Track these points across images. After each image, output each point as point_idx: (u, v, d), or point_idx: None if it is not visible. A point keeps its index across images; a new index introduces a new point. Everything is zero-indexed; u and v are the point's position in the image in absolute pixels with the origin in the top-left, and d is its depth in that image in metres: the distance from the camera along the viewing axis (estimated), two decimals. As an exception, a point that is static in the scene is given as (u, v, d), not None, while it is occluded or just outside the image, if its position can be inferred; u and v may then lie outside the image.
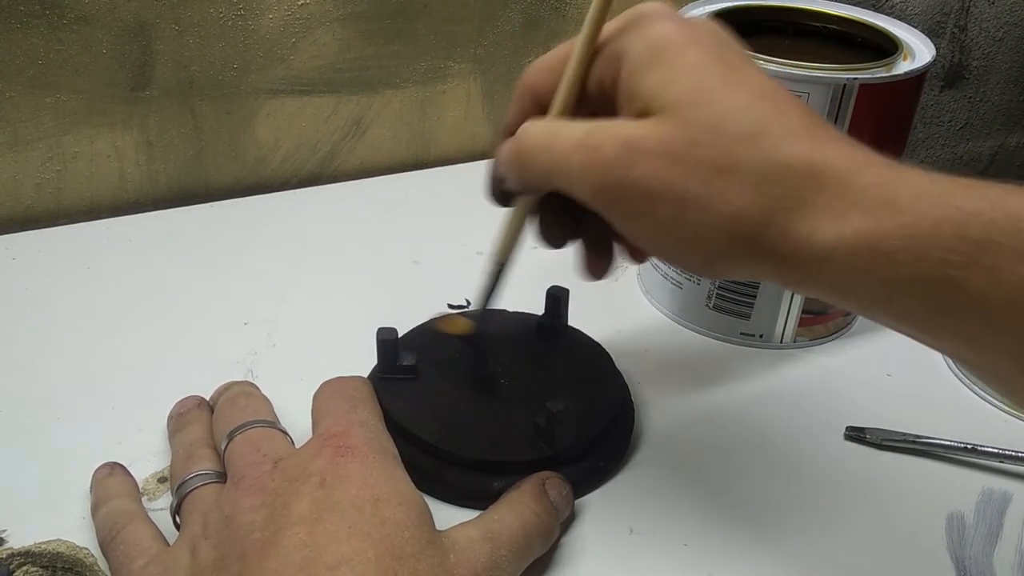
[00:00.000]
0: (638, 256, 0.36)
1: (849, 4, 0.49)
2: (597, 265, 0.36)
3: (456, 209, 0.60)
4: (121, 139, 0.56)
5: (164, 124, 0.57)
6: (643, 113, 0.29)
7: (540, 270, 0.54)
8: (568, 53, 0.32)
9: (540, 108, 0.33)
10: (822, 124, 0.28)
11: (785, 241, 0.27)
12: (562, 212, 0.35)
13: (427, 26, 0.62)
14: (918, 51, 0.45)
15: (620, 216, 0.29)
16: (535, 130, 0.32)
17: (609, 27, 0.31)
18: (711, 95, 0.28)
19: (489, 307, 0.39)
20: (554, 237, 0.36)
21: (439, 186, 0.63)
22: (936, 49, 0.45)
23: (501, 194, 0.36)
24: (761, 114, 0.27)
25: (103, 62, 0.54)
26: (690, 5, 0.49)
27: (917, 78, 0.42)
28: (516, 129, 0.33)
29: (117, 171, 0.57)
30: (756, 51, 0.42)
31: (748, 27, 0.48)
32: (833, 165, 0.27)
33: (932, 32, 0.85)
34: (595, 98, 0.32)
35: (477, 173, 0.66)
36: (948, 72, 0.89)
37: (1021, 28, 0.90)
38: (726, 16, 0.48)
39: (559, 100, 0.32)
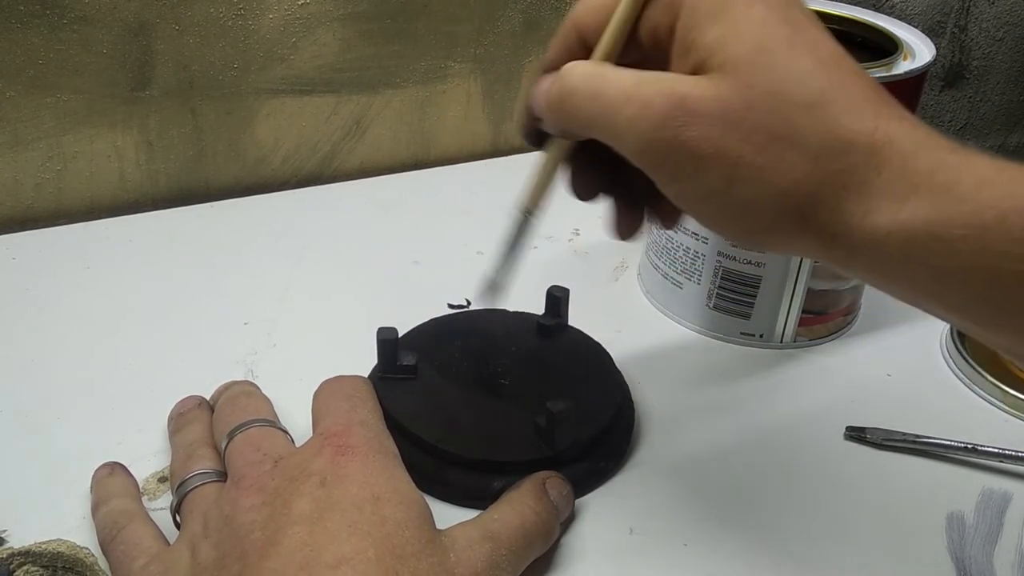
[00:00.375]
0: (669, 220, 0.34)
1: (849, 4, 0.49)
2: (627, 225, 0.35)
3: (456, 209, 0.60)
4: (121, 139, 0.56)
5: (164, 124, 0.57)
6: (699, 68, 0.27)
7: (540, 270, 0.54)
8: None
9: (585, 48, 0.31)
10: (886, 98, 0.27)
11: (837, 220, 0.26)
12: (597, 162, 0.33)
13: (427, 26, 0.62)
14: (918, 51, 0.45)
15: (665, 177, 0.28)
16: (580, 72, 0.30)
17: None
18: (774, 57, 0.26)
19: (513, 264, 0.37)
20: (585, 188, 0.34)
21: (439, 186, 0.63)
22: (936, 49, 0.45)
23: (535, 134, 0.33)
24: (825, 82, 0.26)
25: (103, 62, 0.54)
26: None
27: (917, 78, 0.42)
28: (558, 66, 0.31)
29: (117, 171, 0.57)
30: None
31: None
32: (896, 144, 0.25)
33: (932, 32, 0.85)
34: (645, 44, 0.30)
35: (477, 173, 0.67)
36: (948, 72, 0.89)
37: (1021, 28, 0.90)
38: None
39: (606, 41, 0.30)
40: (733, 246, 0.46)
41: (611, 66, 0.29)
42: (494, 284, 0.38)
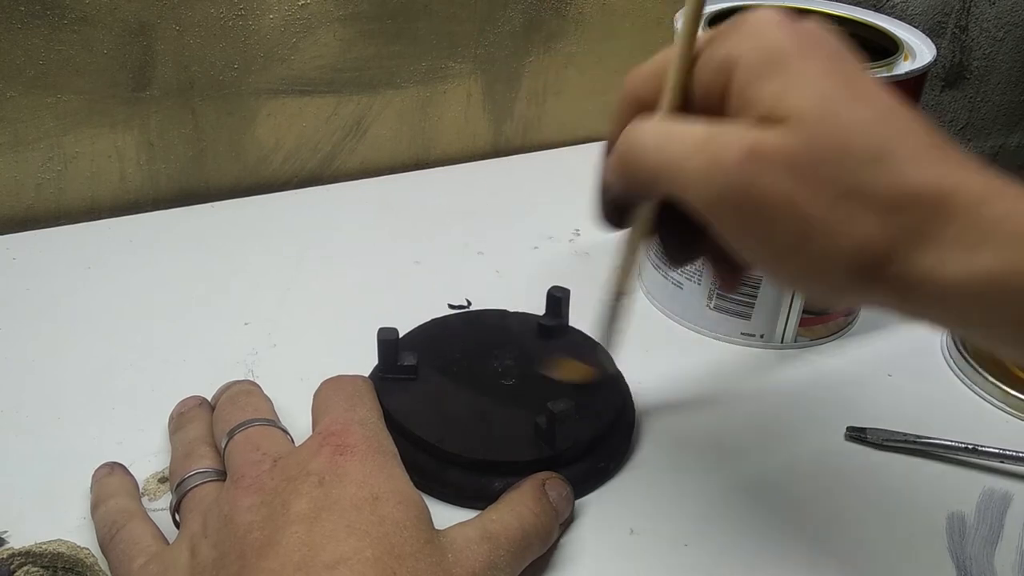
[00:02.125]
0: (732, 281, 0.34)
1: (849, 4, 0.49)
2: (729, 279, 0.34)
3: (457, 209, 0.60)
4: (122, 139, 0.57)
5: (165, 124, 0.57)
6: (765, 119, 0.26)
7: (541, 270, 0.54)
8: (667, 59, 0.30)
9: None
10: (949, 146, 0.26)
11: (910, 273, 0.25)
12: (682, 226, 0.32)
13: (428, 26, 0.62)
14: (919, 51, 0.45)
15: (737, 231, 0.27)
16: (647, 127, 0.29)
17: (715, 33, 0.29)
18: (837, 109, 0.26)
19: (614, 345, 0.37)
20: (676, 254, 0.34)
21: (440, 186, 0.63)
22: (937, 49, 0.45)
23: (612, 210, 0.33)
24: (888, 134, 0.26)
25: (104, 62, 0.54)
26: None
27: (918, 78, 0.42)
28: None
29: (118, 171, 0.58)
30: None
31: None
32: (963, 193, 0.25)
33: (933, 32, 0.85)
34: (701, 107, 0.29)
35: (478, 173, 0.67)
36: (949, 72, 0.89)
37: (1022, 28, 0.90)
38: (727, 16, 0.48)
39: (668, 98, 0.30)
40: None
41: (679, 120, 0.29)
42: (594, 371, 0.39)
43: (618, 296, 0.35)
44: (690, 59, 0.29)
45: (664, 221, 0.33)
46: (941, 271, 0.25)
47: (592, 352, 0.43)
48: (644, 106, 0.31)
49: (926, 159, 0.25)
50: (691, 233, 0.32)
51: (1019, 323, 0.24)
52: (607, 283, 0.35)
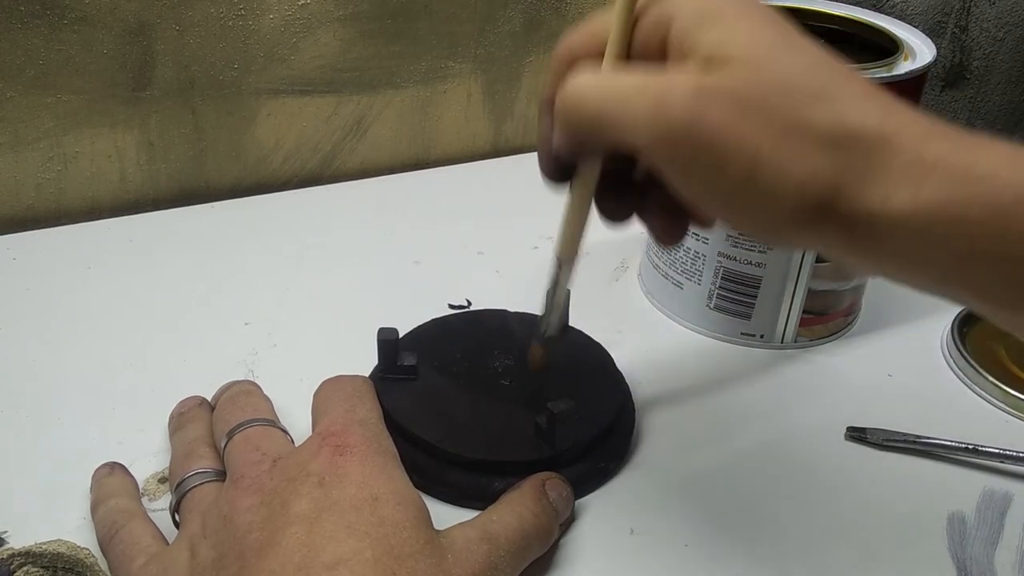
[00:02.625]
0: (674, 234, 0.34)
1: (849, 4, 0.49)
2: (671, 231, 0.34)
3: (457, 209, 0.60)
4: (122, 139, 0.57)
5: (165, 124, 0.57)
6: (707, 65, 0.27)
7: (541, 271, 0.54)
8: (603, 22, 0.30)
9: None
10: (887, 95, 0.27)
11: (857, 208, 0.25)
12: (622, 183, 0.32)
13: (428, 26, 0.62)
14: (919, 51, 0.45)
15: (684, 172, 0.27)
16: (587, 77, 0.29)
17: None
18: (777, 53, 0.26)
19: (560, 314, 0.37)
20: (617, 210, 0.34)
21: (440, 186, 0.63)
22: (937, 49, 0.45)
23: (556, 169, 0.33)
24: (828, 78, 0.26)
25: (104, 62, 0.54)
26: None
27: (918, 78, 0.42)
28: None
29: (118, 171, 0.58)
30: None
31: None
32: (906, 132, 0.25)
33: (933, 32, 0.85)
34: (638, 61, 0.30)
35: (478, 173, 0.67)
36: (949, 72, 0.89)
37: (1022, 28, 0.89)
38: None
39: (609, 50, 0.30)
40: (735, 246, 0.46)
41: (618, 68, 0.29)
42: (548, 339, 0.38)
43: (564, 260, 0.35)
44: (631, 12, 0.30)
45: (604, 180, 0.33)
46: (887, 206, 0.25)
47: (593, 353, 0.43)
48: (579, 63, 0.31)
49: (866, 101, 0.26)
50: (628, 189, 0.32)
51: (962, 258, 0.25)
52: (554, 249, 0.35)
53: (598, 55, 0.30)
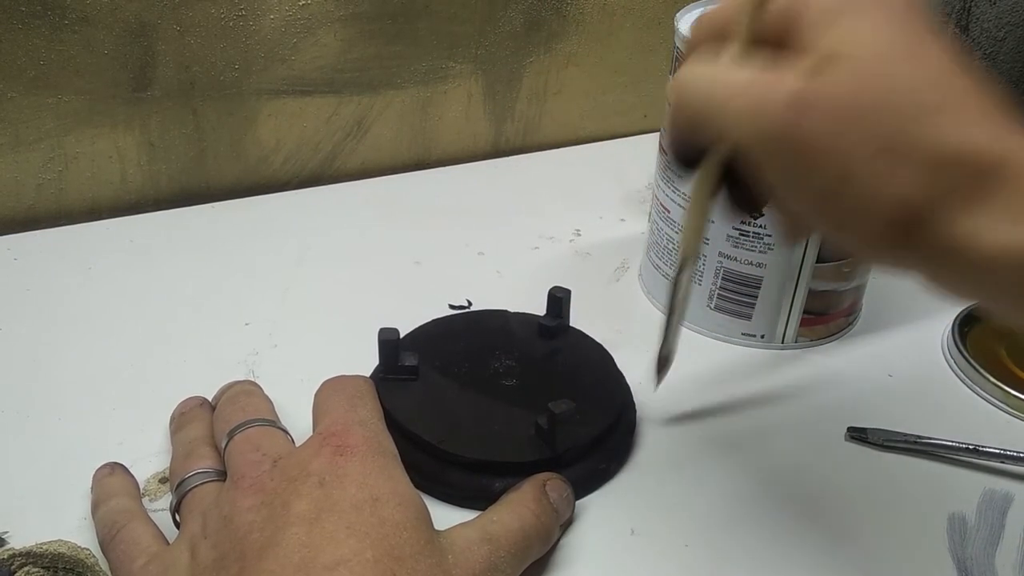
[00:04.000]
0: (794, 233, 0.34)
1: (850, 4, 0.49)
2: (796, 231, 0.34)
3: (458, 209, 0.60)
4: (123, 140, 0.57)
5: (166, 125, 0.57)
6: (817, 68, 0.26)
7: (541, 270, 0.54)
8: (735, 5, 0.29)
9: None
10: (1006, 113, 0.25)
11: (948, 235, 0.24)
12: (743, 181, 0.32)
13: (428, 26, 0.62)
14: (919, 51, 0.45)
15: (780, 172, 0.27)
16: (696, 70, 0.29)
17: None
18: (893, 63, 0.25)
19: (679, 328, 0.37)
20: (747, 202, 0.33)
21: (440, 186, 0.63)
22: (937, 49, 0.45)
23: (679, 160, 0.32)
24: (943, 92, 0.25)
25: (105, 63, 0.54)
26: (691, 4, 0.49)
27: (918, 78, 0.42)
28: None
29: (119, 172, 0.58)
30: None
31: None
32: (1016, 161, 0.24)
33: (934, 32, 0.85)
34: (764, 46, 0.29)
35: (479, 173, 0.67)
36: (950, 72, 0.89)
37: (1022, 28, 0.89)
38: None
39: (734, 39, 0.29)
40: (735, 246, 0.45)
41: (729, 65, 0.29)
42: (665, 358, 0.38)
43: (682, 264, 0.34)
44: (758, 6, 0.29)
45: (728, 175, 0.32)
46: (983, 237, 0.24)
47: (594, 353, 0.43)
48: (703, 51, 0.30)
49: (980, 122, 0.25)
50: (752, 187, 0.31)
51: None
52: (675, 251, 0.34)
53: (727, 38, 0.30)
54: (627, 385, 0.42)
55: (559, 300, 0.43)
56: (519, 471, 0.36)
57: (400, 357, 0.40)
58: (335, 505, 0.30)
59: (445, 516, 0.33)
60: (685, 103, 0.29)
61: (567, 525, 0.36)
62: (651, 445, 0.41)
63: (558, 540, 0.35)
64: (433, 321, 0.45)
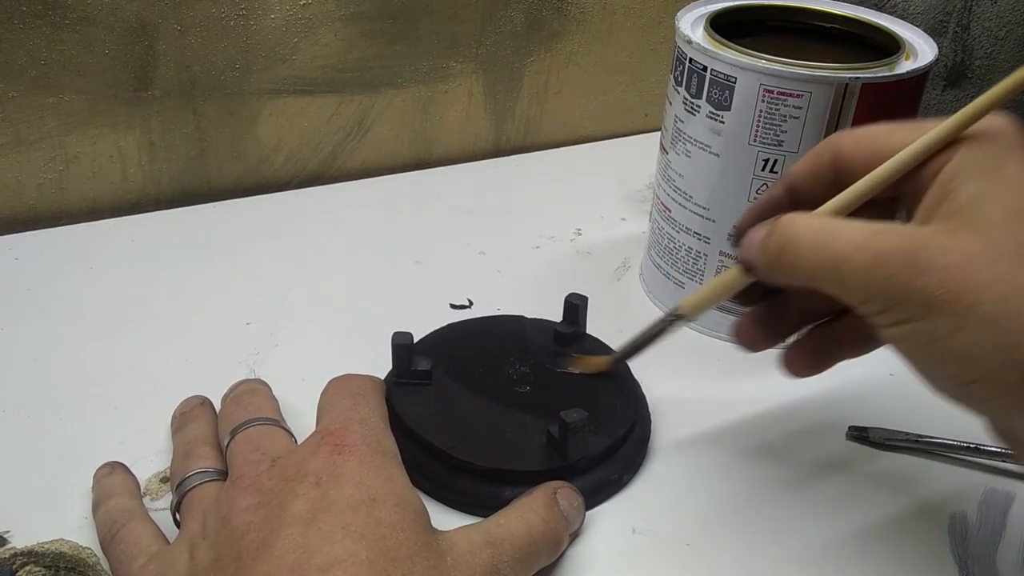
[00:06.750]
0: (831, 358, 0.35)
1: (851, 3, 0.49)
2: (814, 365, 0.35)
3: (458, 209, 0.60)
4: (123, 139, 0.57)
5: (166, 124, 0.57)
6: (948, 218, 0.27)
7: (542, 270, 0.54)
8: (890, 131, 0.30)
9: (834, 178, 0.31)
10: None
11: None
12: (785, 307, 0.33)
13: (429, 26, 0.62)
14: (920, 50, 0.45)
15: (889, 319, 0.27)
16: (804, 223, 0.29)
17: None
18: None
19: (641, 352, 0.39)
20: (771, 333, 0.34)
21: (441, 186, 0.63)
22: (938, 48, 0.45)
23: (757, 292, 0.34)
24: None
25: (105, 62, 0.54)
26: (691, 4, 0.49)
27: (919, 77, 0.42)
28: (801, 186, 0.31)
29: (119, 171, 0.58)
30: (758, 51, 0.42)
31: (750, 26, 0.48)
32: None
33: (934, 31, 0.85)
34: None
35: (479, 173, 0.67)
36: (951, 71, 0.89)
37: (1023, 27, 0.89)
38: (728, 15, 0.48)
39: (849, 196, 0.30)
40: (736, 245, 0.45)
41: (836, 218, 0.29)
42: (617, 360, 0.40)
43: (679, 317, 0.35)
44: (925, 158, 0.29)
45: (767, 297, 0.33)
46: None
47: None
48: (840, 168, 0.31)
49: None
50: (785, 313, 0.33)
51: None
52: (681, 302, 0.35)
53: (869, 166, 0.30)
54: (643, 395, 0.42)
55: (575, 307, 0.43)
56: (530, 480, 0.35)
57: (413, 362, 0.39)
58: (331, 505, 0.30)
59: (454, 523, 0.33)
60: (798, 259, 0.29)
61: (576, 535, 0.36)
62: (652, 445, 0.41)
63: (566, 550, 0.35)
64: (448, 325, 0.44)
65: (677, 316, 0.35)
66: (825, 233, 0.28)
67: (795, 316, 0.34)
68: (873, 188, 0.30)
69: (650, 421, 0.41)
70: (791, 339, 0.35)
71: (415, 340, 0.40)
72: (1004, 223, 0.26)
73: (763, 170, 0.43)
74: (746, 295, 0.34)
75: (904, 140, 0.29)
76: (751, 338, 0.35)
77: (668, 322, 0.36)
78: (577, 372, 0.40)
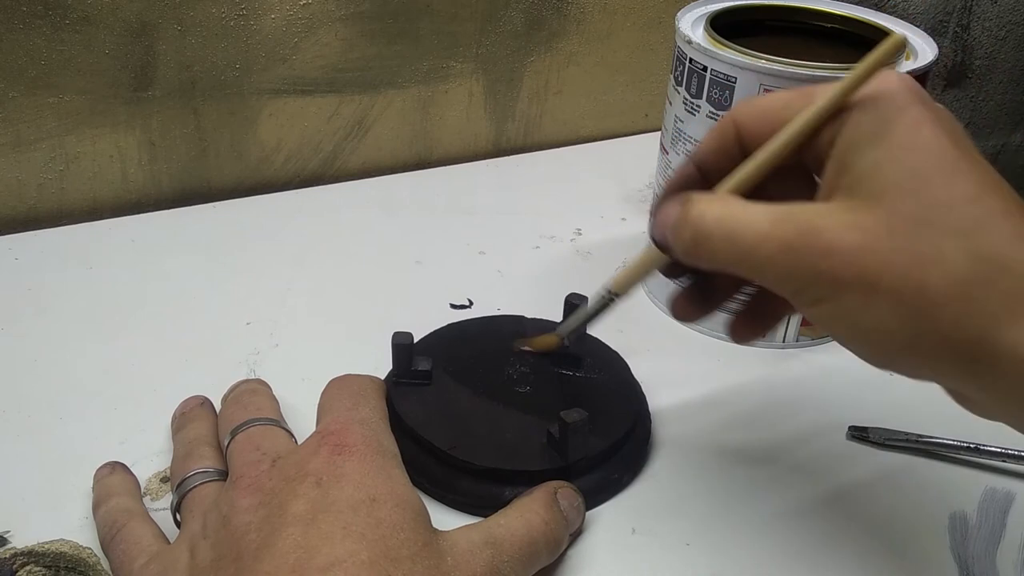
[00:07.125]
0: (771, 320, 0.34)
1: (851, 3, 0.49)
2: (751, 331, 0.35)
3: (458, 209, 0.60)
4: (124, 139, 0.57)
5: (166, 124, 0.57)
6: (849, 190, 0.27)
7: (543, 270, 0.54)
8: (786, 102, 0.29)
9: (740, 148, 0.30)
10: None
11: (985, 348, 0.25)
12: (715, 278, 0.33)
13: (429, 26, 0.62)
14: (920, 50, 0.45)
15: (804, 301, 0.28)
16: (712, 217, 0.29)
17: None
18: (929, 183, 0.25)
19: (582, 330, 0.38)
20: (705, 303, 0.34)
21: (441, 186, 0.63)
22: (939, 48, 0.45)
23: (676, 270, 0.33)
24: (982, 209, 0.25)
25: (106, 62, 0.54)
26: (691, 4, 0.49)
27: (919, 77, 0.42)
28: (708, 163, 0.31)
29: (120, 171, 0.58)
30: (758, 51, 0.42)
31: (750, 26, 0.48)
32: None
33: (935, 31, 0.85)
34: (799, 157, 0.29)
35: (479, 173, 0.67)
36: (951, 71, 0.89)
37: (1023, 27, 0.89)
38: (728, 15, 0.48)
39: (750, 172, 0.29)
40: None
41: (741, 203, 0.29)
42: (559, 339, 0.40)
43: (613, 295, 0.35)
44: (819, 125, 0.29)
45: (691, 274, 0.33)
46: (1017, 350, 0.24)
47: (610, 361, 0.43)
48: (744, 138, 0.30)
49: (1021, 238, 0.25)
50: (716, 284, 0.33)
51: None
52: (611, 281, 0.35)
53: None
54: (643, 395, 0.42)
55: (575, 307, 0.42)
56: (530, 480, 0.35)
57: (413, 362, 0.39)
58: (332, 505, 0.30)
59: (454, 523, 0.33)
60: (709, 248, 0.29)
61: (577, 535, 0.36)
62: (653, 445, 0.41)
63: (565, 550, 0.35)
64: (448, 325, 0.44)
65: (612, 294, 0.35)
66: (733, 223, 0.28)
67: (726, 285, 0.34)
68: (770, 161, 0.29)
69: (650, 421, 0.41)
70: (732, 307, 0.35)
71: (415, 340, 0.40)
72: (899, 190, 0.26)
73: (763, 170, 0.43)
74: (672, 269, 0.33)
75: (797, 109, 0.29)
76: (686, 311, 0.35)
77: (605, 301, 0.36)
78: (529, 351, 0.40)
